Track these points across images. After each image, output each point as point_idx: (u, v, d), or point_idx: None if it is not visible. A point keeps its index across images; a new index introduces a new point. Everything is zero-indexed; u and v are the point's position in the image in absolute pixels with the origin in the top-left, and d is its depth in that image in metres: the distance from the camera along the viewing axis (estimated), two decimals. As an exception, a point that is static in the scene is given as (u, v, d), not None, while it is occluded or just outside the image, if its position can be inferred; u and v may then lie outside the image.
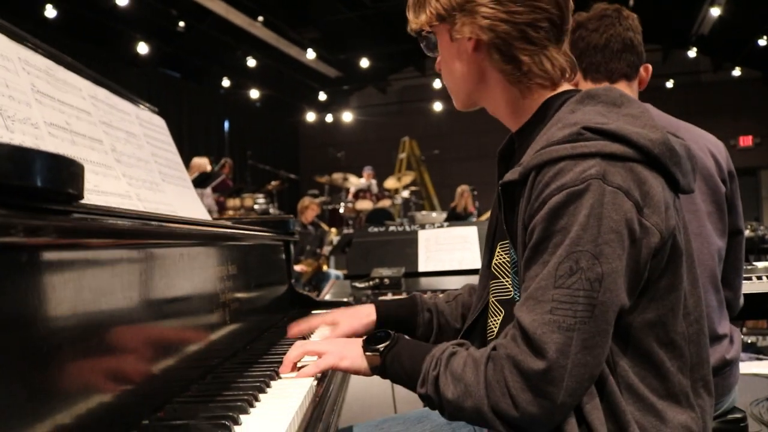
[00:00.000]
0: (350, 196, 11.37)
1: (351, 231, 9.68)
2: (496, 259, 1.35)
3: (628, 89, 1.91)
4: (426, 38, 1.33)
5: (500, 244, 1.34)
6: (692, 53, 13.81)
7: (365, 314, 1.52)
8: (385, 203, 11.40)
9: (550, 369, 1.00)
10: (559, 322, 1.01)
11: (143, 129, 1.87)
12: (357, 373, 1.27)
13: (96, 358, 0.83)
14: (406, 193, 11.97)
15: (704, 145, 1.88)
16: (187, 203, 1.90)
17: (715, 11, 11.11)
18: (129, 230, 0.90)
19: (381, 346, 1.23)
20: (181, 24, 11.20)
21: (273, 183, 10.84)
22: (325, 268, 8.81)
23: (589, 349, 1.02)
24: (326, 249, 9.23)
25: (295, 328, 1.54)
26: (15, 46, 1.29)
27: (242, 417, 0.98)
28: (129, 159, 1.64)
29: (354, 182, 11.56)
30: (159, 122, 2.06)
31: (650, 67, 1.98)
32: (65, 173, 0.64)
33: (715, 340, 1.81)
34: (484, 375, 1.06)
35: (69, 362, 0.76)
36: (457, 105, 1.38)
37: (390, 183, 12.18)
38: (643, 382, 1.10)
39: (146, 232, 0.99)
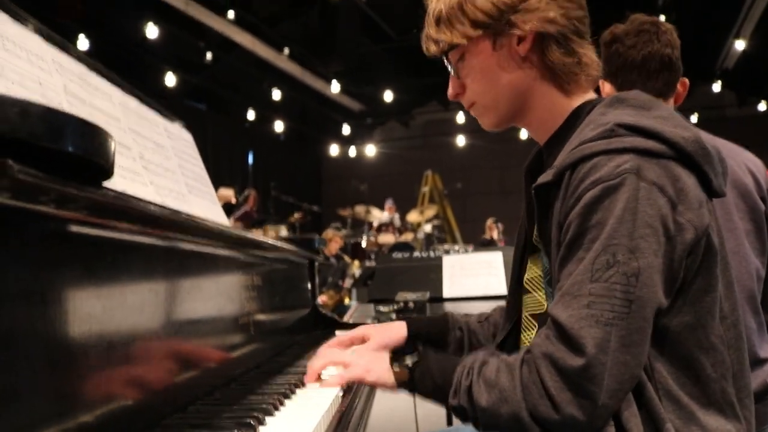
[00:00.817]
0: (373, 230, 11.35)
1: (373, 264, 9.64)
2: (528, 274, 1.33)
3: None
4: (451, 56, 1.29)
5: (531, 259, 1.32)
6: (717, 87, 13.74)
7: (396, 330, 1.49)
8: (408, 237, 11.37)
9: (590, 365, 0.97)
10: (597, 317, 0.98)
11: (171, 141, 1.86)
12: (383, 387, 1.23)
13: (118, 354, 0.81)
14: (428, 227, 11.93)
15: (742, 161, 1.83)
16: (214, 217, 1.89)
17: (740, 44, 11.07)
18: (159, 217, 0.88)
19: (409, 361, 1.20)
20: (209, 56, 11.36)
21: (296, 215, 10.87)
22: (347, 300, 8.79)
23: (627, 347, 0.98)
24: (348, 282, 9.20)
25: (326, 347, 1.50)
26: (50, 48, 1.29)
27: (267, 418, 0.96)
28: (157, 168, 1.63)
29: (376, 215, 11.56)
30: (187, 136, 2.06)
31: (686, 81, 1.94)
32: (97, 142, 0.62)
33: (757, 365, 1.73)
34: (520, 378, 1.02)
35: (91, 354, 0.74)
36: (490, 122, 1.34)
37: (412, 216, 12.16)
38: (683, 390, 1.06)
39: (176, 223, 0.97)
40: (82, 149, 0.60)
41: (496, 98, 1.28)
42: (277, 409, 1.02)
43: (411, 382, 1.18)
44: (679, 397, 1.05)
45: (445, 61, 1.31)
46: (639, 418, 1.02)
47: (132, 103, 1.66)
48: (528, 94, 1.26)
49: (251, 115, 14.48)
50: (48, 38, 1.31)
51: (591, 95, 1.27)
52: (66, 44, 1.38)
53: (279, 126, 15.02)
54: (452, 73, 1.32)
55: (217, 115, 13.86)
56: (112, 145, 0.66)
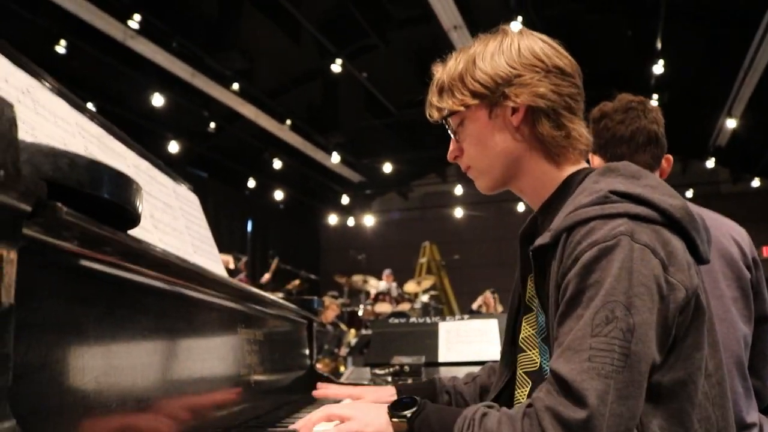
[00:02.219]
0: (370, 299, 11.36)
1: (369, 332, 9.62)
2: (523, 333, 1.39)
3: None
4: (452, 121, 1.39)
5: (525, 318, 1.39)
6: (711, 164, 13.99)
7: (388, 394, 1.54)
8: (405, 307, 11.34)
9: (592, 417, 1.00)
10: (598, 369, 1.02)
11: (179, 203, 1.96)
12: None
13: (128, 393, 0.87)
14: (425, 298, 11.93)
15: (727, 231, 1.91)
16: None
17: (731, 123, 11.33)
18: (175, 265, 0.96)
19: (408, 412, 1.21)
20: (212, 125, 11.60)
21: (293, 283, 10.90)
22: (342, 369, 8.72)
23: (623, 399, 1.02)
24: (344, 350, 9.16)
25: (322, 390, 1.55)
26: (74, 112, 1.39)
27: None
28: (165, 227, 1.72)
29: (374, 285, 11.57)
30: (193, 199, 2.15)
31: (671, 158, 2.04)
32: (129, 192, 0.71)
33: (743, 430, 1.78)
34: (522, 430, 1.05)
35: (108, 390, 0.80)
36: (485, 185, 1.42)
37: (410, 287, 12.16)
38: None
39: (190, 272, 1.05)
40: (117, 197, 0.68)
41: (491, 163, 1.37)
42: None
43: None
44: None
45: (447, 125, 1.41)
46: None
47: (143, 164, 1.76)
48: (520, 161, 1.35)
49: (252, 183, 14.66)
50: (71, 103, 1.42)
51: (581, 165, 1.36)
52: (87, 109, 1.48)
53: (279, 195, 15.19)
54: (452, 137, 1.42)
55: (218, 183, 14.03)
56: (141, 196, 0.75)
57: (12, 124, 0.55)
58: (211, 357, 1.23)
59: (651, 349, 1.06)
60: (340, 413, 1.29)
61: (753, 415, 1.84)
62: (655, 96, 10.87)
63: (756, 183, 14.51)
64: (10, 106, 0.56)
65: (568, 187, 1.31)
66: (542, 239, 1.21)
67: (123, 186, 0.70)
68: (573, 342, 1.06)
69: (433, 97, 1.42)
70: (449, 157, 1.43)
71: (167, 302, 1.00)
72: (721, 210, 2.00)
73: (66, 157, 0.62)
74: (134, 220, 0.76)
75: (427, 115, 1.44)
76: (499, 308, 11.21)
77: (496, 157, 1.35)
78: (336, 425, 1.26)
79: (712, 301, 1.77)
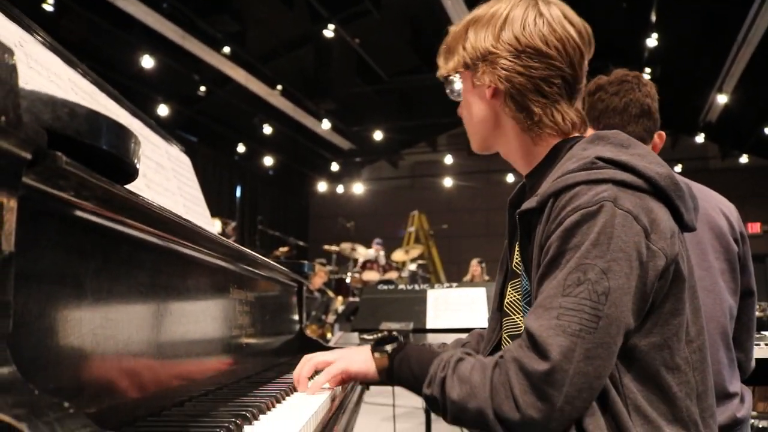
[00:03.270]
0: (358, 267, 11.40)
1: (357, 300, 9.68)
2: (508, 298, 1.41)
3: None
4: (451, 83, 1.43)
5: (511, 284, 1.41)
6: (700, 139, 14.04)
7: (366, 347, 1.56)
8: (392, 275, 11.41)
9: (553, 370, 1.04)
10: (564, 327, 1.06)
11: (171, 163, 1.95)
12: (365, 378, 1.31)
13: (124, 344, 0.88)
14: (413, 266, 11.99)
15: (716, 205, 1.94)
16: (208, 237, 1.96)
17: (722, 98, 11.36)
18: (172, 221, 0.96)
19: (389, 347, 1.27)
20: (202, 89, 11.49)
21: (282, 249, 10.93)
22: (329, 335, 8.79)
23: (590, 359, 1.06)
24: (331, 317, 9.22)
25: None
26: (67, 68, 1.38)
27: (260, 416, 1.02)
28: (158, 188, 1.71)
29: (362, 253, 11.61)
30: (185, 160, 2.14)
31: (663, 134, 2.05)
32: (129, 144, 0.71)
33: (726, 398, 1.81)
34: (491, 378, 1.10)
35: (95, 346, 0.81)
36: (474, 147, 1.47)
37: (398, 255, 12.22)
38: (651, 405, 1.13)
39: (186, 229, 1.05)
40: (116, 149, 0.68)
41: (475, 129, 1.42)
42: (269, 409, 1.09)
43: (390, 368, 1.26)
44: (647, 412, 1.13)
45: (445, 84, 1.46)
46: (605, 430, 1.09)
47: (136, 123, 1.74)
48: (498, 131, 1.38)
49: (241, 148, 14.59)
50: (64, 59, 1.40)
51: (560, 139, 1.35)
52: (80, 65, 1.47)
53: (268, 161, 15.14)
54: (450, 96, 1.47)
55: (208, 148, 13.95)
56: (140, 150, 0.74)
57: (13, 70, 0.54)
58: (204, 316, 1.24)
59: (624, 314, 1.08)
60: (323, 359, 1.35)
61: (735, 385, 1.88)
62: (648, 70, 10.86)
63: (744, 159, 14.61)
64: (11, 51, 0.55)
65: (556, 154, 1.33)
66: (528, 203, 1.23)
67: (122, 138, 0.69)
68: (545, 300, 1.10)
69: (439, 58, 1.46)
70: (459, 111, 1.47)
71: (163, 258, 1.00)
72: (709, 186, 2.02)
73: (66, 107, 0.62)
74: (132, 174, 0.75)
75: (437, 74, 1.48)
76: (486, 278, 11.28)
77: (478, 124, 1.40)
78: (325, 370, 1.31)
79: (701, 272, 1.80)
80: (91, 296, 0.76)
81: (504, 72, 1.29)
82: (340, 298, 10.45)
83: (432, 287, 3.54)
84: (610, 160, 1.16)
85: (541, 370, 1.05)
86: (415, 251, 12.48)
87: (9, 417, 0.47)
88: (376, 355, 1.28)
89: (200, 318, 1.22)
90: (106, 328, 0.80)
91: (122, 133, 0.69)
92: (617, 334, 1.08)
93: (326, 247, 11.86)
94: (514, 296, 1.39)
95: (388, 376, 1.27)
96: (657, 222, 1.13)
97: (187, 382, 1.12)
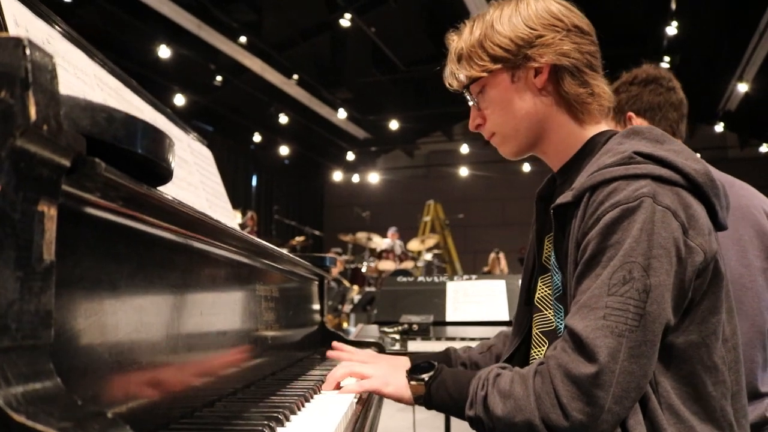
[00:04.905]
0: (373, 256, 11.41)
1: (372, 290, 9.70)
2: (538, 293, 1.40)
3: None
4: (473, 89, 1.38)
5: (541, 278, 1.39)
6: (719, 128, 13.89)
7: (402, 363, 1.56)
8: (408, 265, 11.42)
9: (601, 372, 1.03)
10: (611, 327, 1.05)
11: (194, 158, 1.94)
12: (399, 400, 1.29)
13: (154, 348, 0.88)
14: (429, 256, 11.98)
15: (759, 204, 1.92)
16: (231, 232, 1.96)
17: (743, 87, 11.22)
18: (205, 223, 0.95)
19: (425, 375, 1.26)
20: (218, 79, 11.50)
21: (297, 239, 10.97)
22: (345, 325, 8.82)
23: (635, 357, 1.05)
24: (347, 306, 9.23)
25: (335, 352, 1.57)
26: (92, 63, 1.37)
27: (291, 416, 1.02)
28: (180, 182, 1.71)
29: (378, 242, 11.62)
30: (207, 153, 2.14)
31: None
32: (163, 147, 0.70)
33: (757, 398, 1.79)
34: (533, 388, 1.09)
35: (139, 344, 0.80)
36: (509, 150, 1.42)
37: (413, 245, 12.21)
38: (684, 405, 1.12)
39: (218, 230, 1.04)
40: (152, 153, 0.67)
41: (516, 128, 1.36)
42: (299, 409, 1.08)
43: (427, 396, 1.24)
44: (681, 411, 1.12)
45: (467, 94, 1.40)
46: (644, 427, 1.08)
47: (161, 119, 1.74)
48: (544, 123, 1.34)
49: (257, 138, 14.61)
50: (90, 54, 1.39)
51: (603, 126, 1.35)
52: (105, 60, 1.46)
53: (284, 150, 15.15)
54: (473, 105, 1.40)
55: (224, 138, 13.98)
56: (173, 152, 0.73)
57: (53, 76, 0.53)
58: (231, 313, 1.24)
59: (666, 311, 1.07)
60: (361, 371, 1.33)
61: (767, 384, 1.85)
62: (667, 58, 10.74)
63: (764, 149, 14.42)
64: (51, 57, 0.54)
65: (590, 148, 1.32)
66: (564, 197, 1.22)
67: (158, 142, 0.68)
68: (589, 300, 1.08)
69: (452, 65, 1.41)
70: (471, 126, 1.42)
71: (193, 259, 0.99)
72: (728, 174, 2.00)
73: (104, 112, 0.61)
74: (166, 176, 0.75)
75: (447, 85, 1.43)
76: (505, 269, 11.26)
77: (521, 121, 1.35)
78: (358, 381, 1.30)
79: (741, 270, 1.78)
80: (126, 300, 0.76)
81: (565, 47, 1.29)
82: (355, 287, 10.46)
83: (451, 279, 3.53)
84: (648, 155, 1.15)
85: (589, 373, 1.04)
86: (431, 241, 12.48)
87: (57, 431, 0.46)
88: (413, 382, 1.26)
89: (228, 315, 1.21)
90: (141, 332, 0.80)
91: (157, 137, 0.68)
92: (659, 331, 1.08)
93: (342, 236, 11.87)
94: (545, 291, 1.38)
95: (425, 402, 1.26)
96: (695, 218, 1.12)
97: (216, 381, 1.12)
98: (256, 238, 1.37)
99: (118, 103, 1.44)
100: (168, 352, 0.90)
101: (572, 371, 1.05)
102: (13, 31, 1.05)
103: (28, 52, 0.50)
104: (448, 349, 1.67)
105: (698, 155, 1.27)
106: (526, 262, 1.50)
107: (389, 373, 1.31)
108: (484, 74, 1.34)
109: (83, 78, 1.30)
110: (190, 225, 0.92)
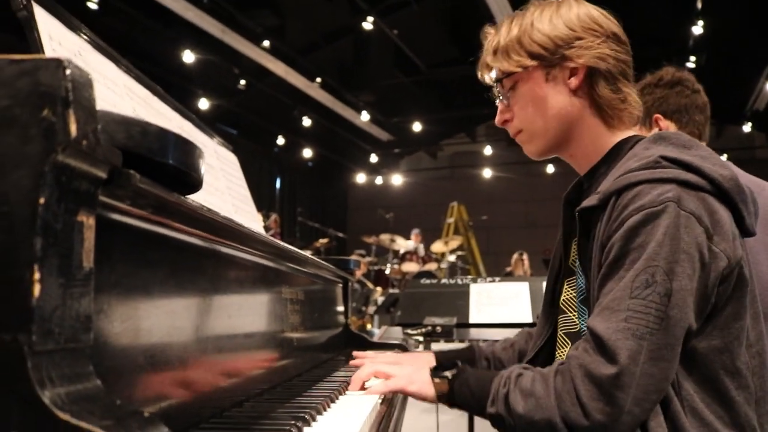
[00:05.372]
0: (397, 258, 11.42)
1: (396, 291, 9.71)
2: (564, 296, 1.41)
3: None
4: (505, 83, 1.39)
5: (567, 281, 1.41)
6: (747, 128, 13.72)
7: (426, 360, 1.58)
8: (431, 266, 11.41)
9: (621, 374, 1.05)
10: (633, 330, 1.06)
11: (220, 163, 1.98)
12: (423, 398, 1.30)
13: (186, 350, 0.91)
14: (452, 258, 11.97)
15: None
16: (256, 235, 1.99)
17: (771, 87, 11.08)
18: (234, 230, 0.98)
19: (449, 373, 1.28)
20: (242, 82, 11.60)
21: (321, 241, 11.02)
22: (369, 326, 8.84)
23: (656, 360, 1.06)
24: (371, 308, 9.26)
25: (359, 360, 1.60)
26: (121, 74, 1.41)
27: (318, 416, 1.04)
28: (208, 187, 1.74)
29: (401, 244, 11.63)
30: (233, 159, 2.18)
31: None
32: (193, 158, 0.73)
33: None
34: (554, 387, 1.10)
35: (172, 349, 0.84)
36: (536, 149, 1.42)
37: (437, 247, 12.21)
38: (708, 408, 1.13)
39: (247, 236, 1.07)
40: (184, 165, 0.70)
41: (545, 126, 1.37)
42: (325, 409, 1.11)
43: (450, 393, 1.26)
44: (704, 415, 1.12)
45: (497, 88, 1.41)
46: (666, 429, 1.09)
47: (188, 125, 1.78)
48: (574, 124, 1.36)
49: (281, 140, 14.70)
50: (119, 65, 1.43)
51: (632, 132, 1.37)
52: (133, 69, 1.50)
53: (307, 153, 15.24)
54: (503, 100, 1.42)
55: (248, 141, 14.09)
56: (203, 162, 0.76)
57: (91, 94, 0.56)
58: (259, 316, 1.27)
59: (687, 315, 1.08)
60: (385, 371, 1.35)
61: None
62: (692, 58, 10.64)
63: (792, 148, 14.23)
64: (88, 75, 0.57)
65: (617, 152, 1.33)
66: (590, 201, 1.23)
67: (188, 153, 0.71)
68: (612, 302, 1.10)
69: (487, 57, 1.42)
70: (498, 121, 1.44)
71: (222, 264, 1.02)
72: (756, 175, 1.99)
73: (138, 125, 0.64)
74: (196, 185, 0.78)
75: (479, 77, 1.44)
76: (528, 270, 11.21)
77: (552, 120, 1.36)
78: (383, 381, 1.33)
79: (766, 270, 1.77)
80: (159, 305, 0.79)
81: (603, 51, 1.31)
82: (379, 289, 10.48)
83: (474, 281, 3.54)
84: (674, 159, 1.16)
85: (609, 374, 1.05)
86: (455, 242, 12.46)
87: (99, 429, 0.49)
88: (436, 380, 1.28)
89: (255, 318, 1.24)
90: (172, 335, 0.83)
91: (189, 149, 0.71)
92: (681, 335, 1.09)
93: (365, 238, 11.91)
94: (570, 294, 1.39)
95: (448, 400, 1.27)
96: (720, 224, 1.12)
97: (244, 382, 1.15)
98: (282, 242, 1.40)
99: (147, 111, 1.48)
100: (198, 354, 0.93)
101: (593, 371, 1.07)
102: (47, 44, 1.09)
103: (68, 72, 0.53)
104: (471, 345, 1.70)
105: (725, 158, 1.28)
106: (552, 264, 1.52)
107: (413, 372, 1.33)
108: (519, 69, 1.35)
109: (113, 88, 1.34)
110: (219, 231, 0.96)
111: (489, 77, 1.42)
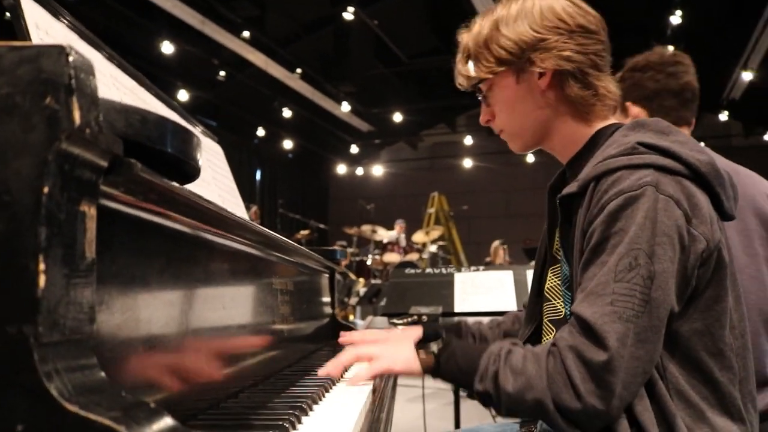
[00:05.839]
0: (378, 249, 11.42)
1: (378, 282, 9.72)
2: (548, 284, 1.43)
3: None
4: (482, 87, 1.41)
5: (551, 269, 1.42)
6: (723, 117, 13.86)
7: (412, 334, 1.57)
8: (413, 256, 11.43)
9: (612, 358, 1.06)
10: (619, 313, 1.07)
11: (205, 154, 1.96)
12: (410, 374, 1.29)
13: (180, 341, 0.90)
14: (433, 248, 11.99)
15: (763, 190, 1.91)
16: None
17: (747, 75, 11.19)
18: (230, 219, 0.98)
19: (435, 346, 1.28)
20: (222, 73, 11.51)
21: (302, 232, 10.98)
22: (351, 317, 8.84)
23: (642, 342, 1.07)
24: (353, 299, 9.26)
25: (346, 337, 1.57)
26: (108, 64, 1.40)
27: (314, 406, 1.04)
28: (195, 179, 1.73)
29: (383, 234, 11.63)
30: (218, 149, 2.16)
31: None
32: (192, 146, 0.72)
33: (765, 385, 1.80)
34: (546, 368, 1.11)
35: (169, 338, 0.83)
36: (517, 147, 1.46)
37: (418, 237, 12.23)
38: (693, 390, 1.15)
39: (240, 226, 1.06)
40: (182, 153, 0.70)
41: (522, 126, 1.41)
42: (321, 398, 1.11)
43: (436, 366, 1.25)
44: (689, 396, 1.14)
45: (476, 92, 1.44)
46: (652, 413, 1.11)
47: (173, 116, 1.76)
48: (551, 122, 1.38)
49: (261, 132, 14.62)
50: (105, 54, 1.41)
51: (610, 120, 1.37)
52: (121, 61, 1.48)
53: (288, 144, 15.17)
54: (483, 102, 1.44)
55: (227, 132, 13.98)
56: (201, 151, 0.76)
57: (93, 81, 0.56)
58: (252, 307, 1.26)
59: (670, 297, 1.10)
60: (368, 353, 1.33)
61: None
62: (671, 47, 10.70)
63: (768, 137, 14.40)
64: (90, 63, 0.56)
65: (596, 141, 1.34)
66: (570, 188, 1.25)
67: (187, 141, 0.71)
68: (596, 287, 1.10)
69: (460, 65, 1.44)
70: (481, 120, 1.47)
71: (216, 255, 1.02)
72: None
73: (138, 114, 0.63)
74: (194, 174, 0.77)
75: (457, 84, 1.47)
76: (507, 260, 11.26)
77: (527, 120, 1.39)
78: (367, 366, 1.31)
79: (746, 259, 1.79)
80: (157, 295, 0.78)
81: (566, 53, 1.30)
82: (361, 280, 10.48)
83: (458, 270, 3.56)
84: (651, 145, 1.17)
85: (601, 359, 1.06)
86: (436, 232, 12.48)
87: (108, 420, 0.48)
88: (422, 354, 1.28)
89: (248, 309, 1.24)
90: (170, 326, 0.82)
91: (187, 137, 0.70)
92: (664, 317, 1.10)
93: (346, 229, 11.89)
94: (555, 281, 1.41)
95: (434, 373, 1.27)
96: (698, 207, 1.14)
97: (238, 373, 1.14)
98: (272, 231, 1.40)
99: (134, 102, 1.46)
100: (194, 345, 0.92)
101: (584, 354, 1.07)
102: (34, 33, 1.07)
103: (71, 59, 0.53)
104: (459, 321, 1.70)
105: (703, 145, 1.29)
106: (538, 253, 1.53)
107: (396, 349, 1.32)
108: (491, 75, 1.37)
109: (101, 79, 1.32)
110: (216, 221, 0.95)
111: (466, 83, 1.44)
